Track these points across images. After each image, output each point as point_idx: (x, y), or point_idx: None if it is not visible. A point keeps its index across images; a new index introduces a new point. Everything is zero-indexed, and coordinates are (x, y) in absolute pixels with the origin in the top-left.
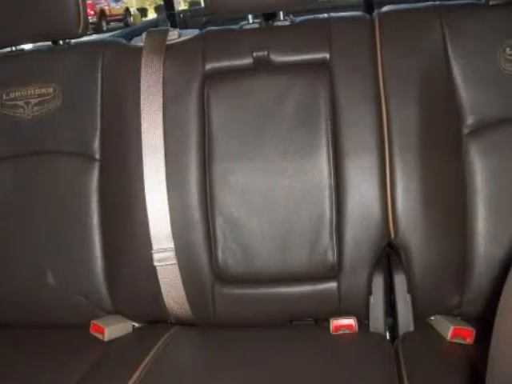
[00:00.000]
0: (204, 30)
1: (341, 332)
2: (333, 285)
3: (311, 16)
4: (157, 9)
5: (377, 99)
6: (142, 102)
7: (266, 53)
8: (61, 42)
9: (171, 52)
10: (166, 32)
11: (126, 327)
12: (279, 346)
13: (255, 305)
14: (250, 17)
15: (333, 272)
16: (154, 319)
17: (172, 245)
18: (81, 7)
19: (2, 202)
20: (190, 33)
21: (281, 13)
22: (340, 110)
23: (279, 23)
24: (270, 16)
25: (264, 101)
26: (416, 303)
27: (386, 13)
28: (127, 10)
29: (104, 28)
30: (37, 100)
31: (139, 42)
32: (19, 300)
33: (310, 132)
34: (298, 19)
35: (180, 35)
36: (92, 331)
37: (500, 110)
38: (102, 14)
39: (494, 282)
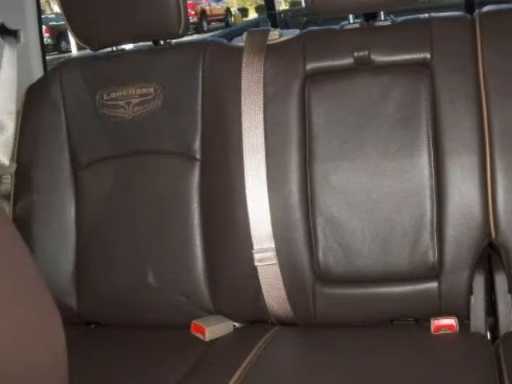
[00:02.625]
0: (305, 30)
1: (441, 332)
2: (433, 285)
3: (412, 16)
4: (257, 9)
5: (478, 99)
6: (242, 102)
7: (366, 53)
8: (161, 42)
9: (272, 52)
10: (266, 32)
11: (226, 327)
12: (380, 345)
13: (356, 305)
14: (350, 17)
15: (434, 272)
16: (255, 319)
17: (273, 245)
18: (182, 7)
19: (103, 201)
20: (291, 33)
21: (381, 13)
22: (441, 110)
23: (380, 23)
24: (371, 16)
25: (365, 101)
26: None
27: (487, 13)
28: (228, 9)
29: (205, 28)
30: (138, 100)
31: (240, 41)
32: (120, 300)
33: (410, 132)
34: (399, 19)
35: (281, 35)
36: (193, 331)
37: None
38: (202, 13)
39: None
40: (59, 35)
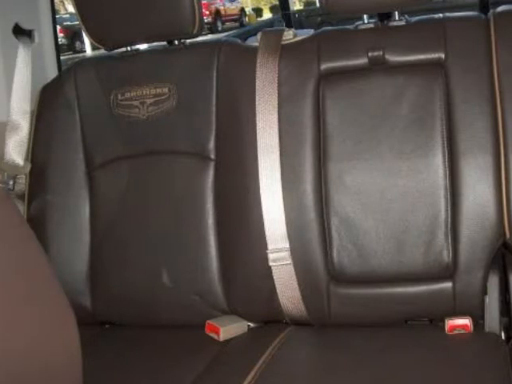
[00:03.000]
0: (319, 30)
1: (456, 332)
2: (448, 285)
3: (426, 16)
4: (272, 9)
5: (492, 99)
6: (257, 102)
7: (381, 53)
8: (176, 42)
9: (286, 52)
10: (281, 32)
11: (241, 327)
12: (394, 345)
13: (370, 305)
14: (365, 17)
15: (448, 272)
16: (269, 319)
17: (287, 245)
18: (196, 7)
19: (117, 201)
20: (305, 33)
21: (396, 13)
22: (455, 110)
23: (394, 23)
24: (385, 16)
25: (379, 101)
26: None
27: (502, 13)
28: (242, 9)
29: (219, 28)
30: (152, 100)
31: (254, 41)
32: (134, 300)
33: (425, 132)
34: (413, 19)
35: (295, 35)
36: (207, 331)
37: None
38: (217, 14)
39: None
40: (73, 35)
